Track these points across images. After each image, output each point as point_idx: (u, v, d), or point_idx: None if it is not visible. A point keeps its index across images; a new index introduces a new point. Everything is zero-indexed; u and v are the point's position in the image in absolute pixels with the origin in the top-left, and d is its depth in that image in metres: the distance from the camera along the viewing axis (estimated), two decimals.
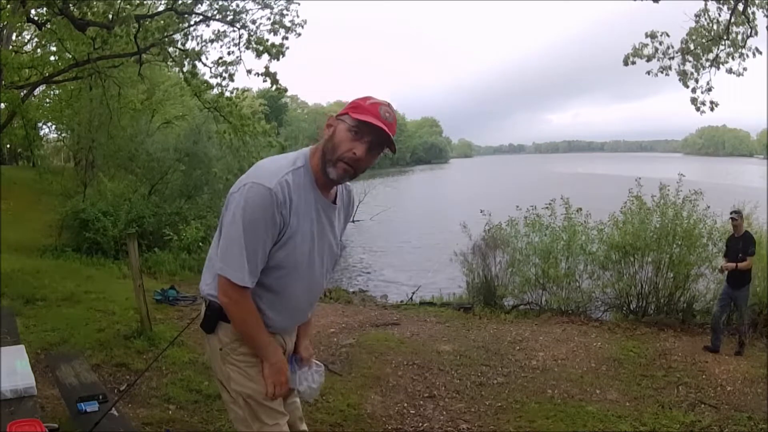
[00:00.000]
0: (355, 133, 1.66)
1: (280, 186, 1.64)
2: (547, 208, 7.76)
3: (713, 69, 7.31)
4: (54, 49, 11.50)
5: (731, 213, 5.96)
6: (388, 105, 1.70)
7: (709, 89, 7.38)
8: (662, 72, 7.57)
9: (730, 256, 5.80)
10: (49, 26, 9.66)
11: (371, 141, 1.67)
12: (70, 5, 8.26)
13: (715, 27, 7.22)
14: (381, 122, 1.65)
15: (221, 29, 9.32)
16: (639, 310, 6.87)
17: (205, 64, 9.56)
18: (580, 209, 7.63)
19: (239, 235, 1.65)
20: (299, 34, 9.04)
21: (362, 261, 14.86)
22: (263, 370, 1.83)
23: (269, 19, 8.97)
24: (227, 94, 10.16)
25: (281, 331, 1.91)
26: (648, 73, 7.70)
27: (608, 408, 4.08)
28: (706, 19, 7.27)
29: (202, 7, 9.13)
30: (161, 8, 9.17)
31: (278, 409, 1.90)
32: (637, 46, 7.52)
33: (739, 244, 5.71)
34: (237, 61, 9.43)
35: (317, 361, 2.08)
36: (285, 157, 1.77)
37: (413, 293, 9.06)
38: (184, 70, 9.47)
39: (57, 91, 15.87)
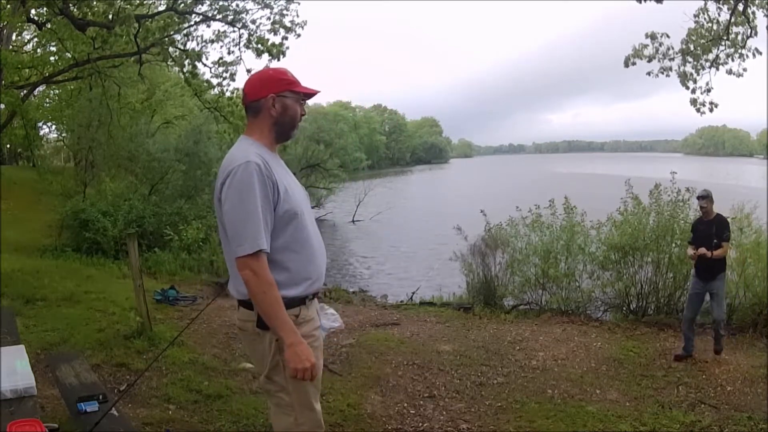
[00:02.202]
0: (300, 102, 2.09)
1: (256, 157, 1.92)
2: (546, 208, 7.75)
3: (713, 69, 7.31)
4: (54, 49, 11.50)
5: (698, 197, 5.27)
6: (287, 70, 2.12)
7: (709, 90, 7.38)
8: (663, 73, 7.57)
9: (699, 242, 5.09)
10: (49, 26, 9.67)
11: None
12: (70, 5, 8.27)
13: (714, 27, 7.22)
14: (309, 88, 2.11)
15: (221, 29, 9.33)
16: (639, 310, 6.87)
17: (205, 65, 9.57)
18: (575, 207, 7.62)
19: (243, 212, 1.87)
20: (299, 35, 9.05)
21: (362, 261, 14.86)
22: (285, 353, 1.90)
23: (269, 19, 8.98)
24: (228, 94, 10.16)
25: (321, 284, 2.10)
26: (648, 74, 7.70)
27: (608, 408, 4.07)
28: (705, 18, 7.27)
29: (203, 8, 9.14)
30: (161, 8, 9.18)
31: (320, 390, 2.09)
32: (637, 47, 7.52)
33: (712, 228, 5.04)
34: (237, 62, 9.44)
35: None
36: (237, 146, 2.07)
37: (413, 293, 9.06)
38: (185, 70, 9.48)
39: (57, 91, 15.89)
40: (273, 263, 1.92)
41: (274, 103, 2.03)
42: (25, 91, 10.47)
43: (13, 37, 13.36)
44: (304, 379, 1.91)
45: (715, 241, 4.98)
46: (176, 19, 8.78)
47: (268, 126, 2.05)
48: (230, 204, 1.89)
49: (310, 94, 2.13)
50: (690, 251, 5.18)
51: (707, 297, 5.27)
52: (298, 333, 1.91)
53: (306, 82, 2.13)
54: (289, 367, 1.89)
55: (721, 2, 7.02)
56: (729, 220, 6.21)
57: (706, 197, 5.17)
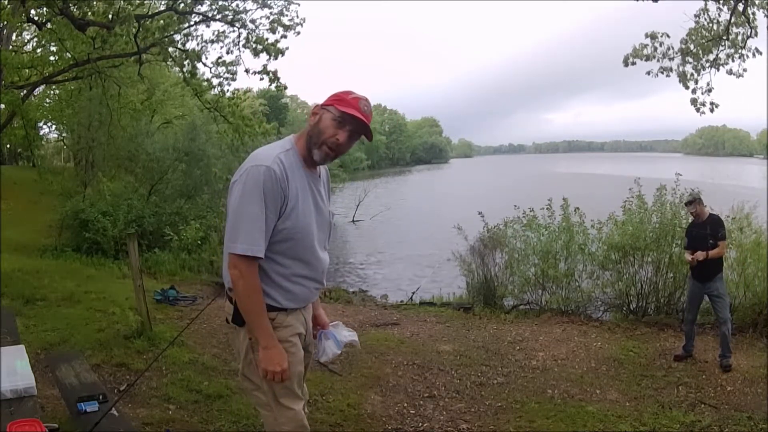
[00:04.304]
0: (338, 123, 1.92)
1: (276, 164, 1.86)
2: (542, 209, 7.74)
3: (713, 70, 7.31)
4: (54, 49, 11.51)
5: (686, 204, 5.18)
6: (366, 99, 1.97)
7: (709, 90, 7.38)
8: (663, 73, 7.57)
9: (695, 245, 5.00)
10: (49, 26, 9.67)
11: (351, 130, 1.95)
12: (70, 5, 8.26)
13: (714, 27, 7.22)
14: (361, 114, 1.92)
15: (221, 29, 9.34)
16: (639, 310, 6.86)
17: (205, 64, 9.58)
18: (578, 209, 7.61)
19: (245, 212, 1.83)
20: (298, 33, 9.07)
21: (362, 261, 14.85)
22: (259, 354, 1.93)
23: (268, 18, 8.99)
24: (228, 94, 10.17)
25: (303, 303, 2.06)
26: (648, 73, 7.70)
27: (608, 408, 4.07)
28: (705, 19, 7.28)
29: (202, 8, 9.14)
30: (161, 8, 9.18)
31: (297, 393, 2.04)
32: (637, 47, 7.52)
33: (706, 229, 4.94)
34: (237, 61, 9.45)
35: (332, 324, 2.28)
36: (275, 144, 2.02)
37: (413, 293, 9.06)
38: (184, 70, 9.48)
39: (57, 91, 15.89)
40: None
41: (315, 113, 1.97)
42: (25, 91, 10.46)
43: (13, 37, 13.35)
44: (273, 381, 1.93)
45: (711, 241, 4.90)
46: (176, 19, 8.78)
47: (305, 134, 1.99)
48: (237, 199, 1.87)
49: (348, 114, 1.92)
50: (687, 257, 5.06)
51: (706, 296, 5.22)
52: (275, 337, 1.93)
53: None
54: (260, 368, 1.93)
55: (721, 2, 7.02)
56: (729, 219, 6.18)
57: (692, 202, 5.06)
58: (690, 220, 5.43)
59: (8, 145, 20.68)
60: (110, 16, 8.35)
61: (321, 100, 2.04)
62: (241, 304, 1.92)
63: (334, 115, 1.92)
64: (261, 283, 1.92)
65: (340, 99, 1.94)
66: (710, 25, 7.25)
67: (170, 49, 9.08)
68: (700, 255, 4.88)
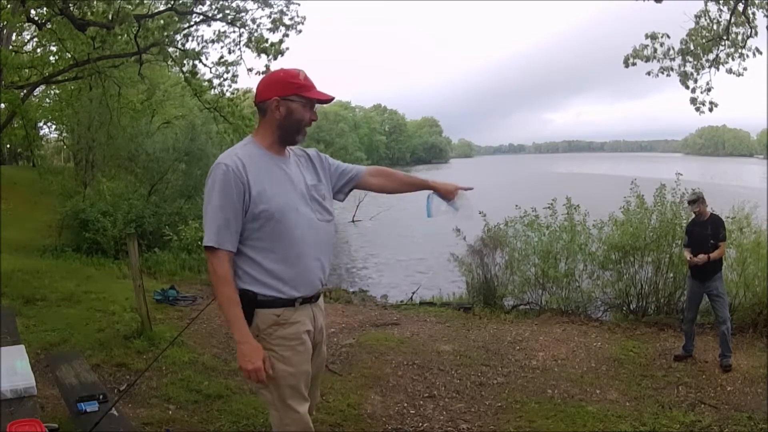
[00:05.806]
0: (309, 108, 2.04)
1: (232, 160, 1.94)
2: (545, 209, 7.74)
3: (713, 69, 7.31)
4: (54, 49, 11.51)
5: (689, 202, 5.17)
6: (302, 71, 2.06)
7: (709, 89, 7.39)
8: (663, 72, 7.57)
9: (695, 245, 4.99)
10: (49, 26, 9.67)
11: (316, 105, 2.08)
12: (70, 5, 8.27)
13: (715, 27, 7.23)
14: (322, 93, 2.05)
15: (222, 29, 9.35)
16: (639, 310, 6.86)
17: (205, 65, 9.59)
18: (578, 206, 7.61)
19: (211, 208, 1.92)
20: (300, 31, 9.08)
21: (362, 261, 14.85)
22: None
23: (269, 17, 9.00)
24: (228, 94, 10.18)
25: (311, 288, 2.05)
26: (648, 74, 7.71)
27: (608, 408, 4.07)
28: (706, 19, 7.28)
29: (203, 7, 9.15)
30: (161, 8, 9.19)
31: (303, 394, 2.05)
32: (638, 47, 7.53)
33: (707, 229, 4.94)
34: (237, 62, 9.46)
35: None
36: (236, 145, 2.12)
37: (413, 293, 9.06)
38: (184, 70, 9.49)
39: (57, 91, 15.90)
40: (250, 260, 1.97)
41: (279, 106, 2.00)
42: (25, 91, 10.46)
43: (13, 37, 13.35)
44: (250, 379, 1.95)
45: (711, 242, 4.91)
46: (176, 19, 8.79)
47: (272, 128, 2.04)
48: (204, 203, 1.98)
49: (322, 100, 2.06)
50: (688, 256, 5.06)
51: (706, 296, 5.22)
52: (248, 332, 1.92)
53: None
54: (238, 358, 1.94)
55: (721, 3, 7.03)
56: (729, 220, 6.17)
57: (696, 201, 5.06)
58: (690, 219, 5.44)
59: (8, 145, 20.68)
60: (110, 16, 8.35)
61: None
62: (216, 297, 1.95)
63: (305, 102, 2.02)
64: (258, 275, 1.95)
65: (298, 86, 2.01)
66: (710, 25, 7.25)
67: (170, 49, 9.09)
68: (702, 257, 4.89)
